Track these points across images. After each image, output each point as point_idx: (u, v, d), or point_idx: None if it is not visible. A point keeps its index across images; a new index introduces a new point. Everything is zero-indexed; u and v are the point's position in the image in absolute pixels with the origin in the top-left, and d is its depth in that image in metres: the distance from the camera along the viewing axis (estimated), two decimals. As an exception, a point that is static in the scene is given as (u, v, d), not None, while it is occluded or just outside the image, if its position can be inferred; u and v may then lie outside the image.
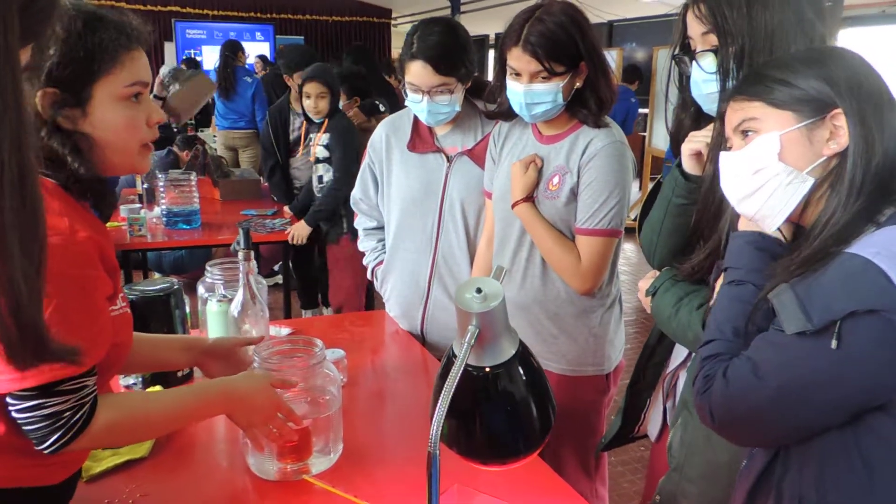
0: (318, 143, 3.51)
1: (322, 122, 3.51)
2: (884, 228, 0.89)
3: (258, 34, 11.06)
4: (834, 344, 0.83)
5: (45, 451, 0.97)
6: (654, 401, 1.51)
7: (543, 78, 1.59)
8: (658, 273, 1.38)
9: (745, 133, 1.02)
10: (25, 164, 0.52)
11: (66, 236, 0.94)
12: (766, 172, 0.97)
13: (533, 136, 1.76)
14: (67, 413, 0.96)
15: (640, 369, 1.51)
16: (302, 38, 11.67)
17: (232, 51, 6.43)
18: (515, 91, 1.63)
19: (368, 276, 2.20)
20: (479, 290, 0.79)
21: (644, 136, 7.59)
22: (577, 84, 1.63)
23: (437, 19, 1.94)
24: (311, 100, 3.42)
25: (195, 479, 1.33)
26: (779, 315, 0.89)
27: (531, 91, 1.61)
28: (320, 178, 3.58)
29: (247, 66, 7.13)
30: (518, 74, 1.62)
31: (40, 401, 0.94)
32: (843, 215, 0.91)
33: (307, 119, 3.57)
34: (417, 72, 1.83)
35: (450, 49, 1.84)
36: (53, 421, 0.95)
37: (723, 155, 1.05)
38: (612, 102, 1.67)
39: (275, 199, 4.09)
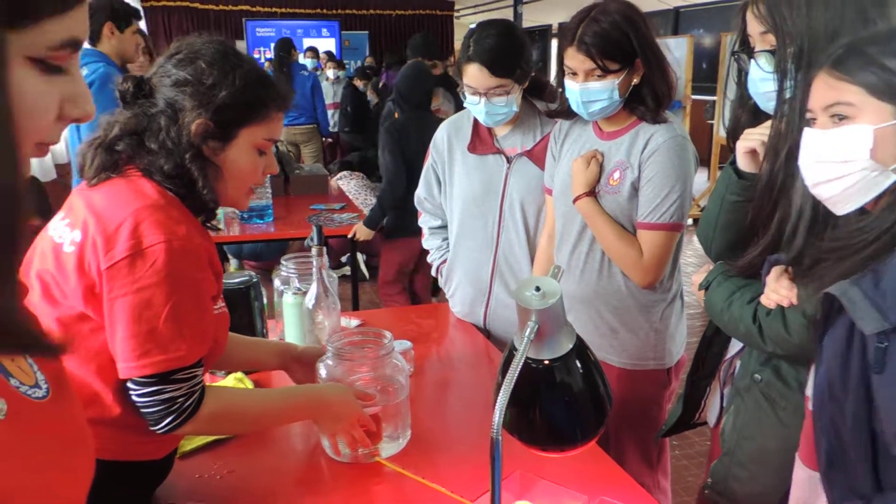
0: None
1: None
2: None
3: (324, 30, 11.30)
4: None
5: (159, 432, 1.10)
6: (714, 389, 1.54)
7: (598, 76, 1.63)
8: (712, 267, 1.41)
9: (836, 116, 0.98)
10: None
11: (183, 241, 1.07)
12: (853, 165, 0.95)
13: (593, 132, 1.80)
14: (181, 399, 1.09)
15: (700, 359, 1.54)
16: (367, 33, 11.86)
17: (285, 49, 6.61)
18: (572, 89, 1.68)
19: (433, 273, 2.28)
20: (537, 289, 0.85)
21: (712, 125, 7.41)
22: (635, 80, 1.66)
23: (493, 21, 1.99)
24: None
25: (275, 458, 1.44)
26: (850, 313, 0.90)
27: (587, 89, 1.65)
28: None
29: (300, 63, 7.29)
30: (574, 73, 1.66)
31: (159, 387, 1.07)
32: None
33: None
34: (474, 74, 1.89)
35: (505, 51, 1.88)
36: (169, 405, 1.08)
37: (808, 132, 1.03)
38: (671, 98, 1.69)
39: None
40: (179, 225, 1.08)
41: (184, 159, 1.11)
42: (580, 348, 0.89)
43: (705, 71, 7.79)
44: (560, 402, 0.89)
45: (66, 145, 4.86)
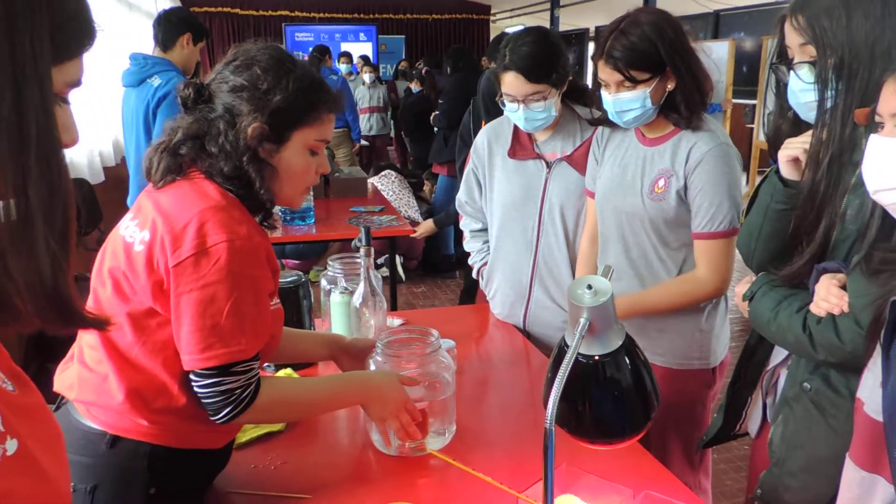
0: None
1: None
2: None
3: (361, 35, 11.44)
4: None
5: (219, 422, 1.16)
6: (755, 398, 1.54)
7: (628, 87, 1.66)
8: (754, 278, 1.42)
9: None
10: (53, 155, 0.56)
11: (244, 240, 1.12)
12: None
13: (636, 138, 1.82)
14: (238, 390, 1.15)
15: (741, 368, 1.55)
16: (403, 37, 11.97)
17: (321, 53, 6.82)
18: (605, 100, 1.72)
19: (474, 275, 2.32)
20: (589, 287, 0.88)
21: (752, 129, 7.33)
22: (669, 87, 1.68)
23: (528, 30, 2.02)
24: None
25: (325, 451, 1.50)
26: None
27: (618, 100, 1.69)
28: None
29: (333, 68, 7.47)
30: (606, 85, 1.70)
31: (219, 378, 1.13)
32: None
33: None
34: (511, 82, 1.93)
35: (540, 57, 1.91)
36: (227, 396, 1.14)
37: (873, 138, 1.04)
38: (704, 105, 1.70)
39: (420, 218, 4.20)
40: (241, 225, 1.13)
41: (241, 161, 1.17)
42: (629, 346, 0.92)
43: (745, 75, 7.70)
44: (609, 396, 0.92)
45: (113, 149, 5.02)
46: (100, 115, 4.79)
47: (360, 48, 10.86)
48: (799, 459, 1.31)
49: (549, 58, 1.93)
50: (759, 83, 6.80)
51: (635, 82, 1.65)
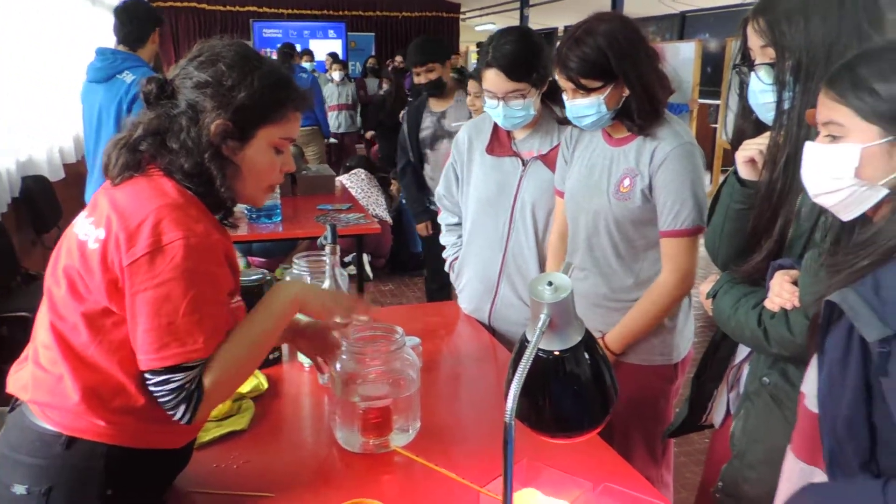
0: None
1: None
2: None
3: (331, 32, 11.37)
4: None
5: (183, 421, 1.12)
6: (721, 391, 1.57)
7: (582, 94, 1.70)
8: (718, 276, 1.45)
9: (829, 136, 1.03)
10: None
11: (201, 238, 1.10)
12: (842, 182, 1.00)
13: (603, 139, 1.85)
14: (187, 385, 1.11)
15: (706, 362, 1.58)
16: (373, 34, 11.92)
17: (291, 50, 6.76)
18: (566, 104, 1.76)
19: (446, 268, 2.33)
20: (550, 283, 0.89)
21: (715, 128, 7.46)
22: (625, 93, 1.70)
23: (510, 28, 2.06)
24: (471, 97, 3.31)
25: (289, 449, 1.49)
26: (852, 320, 0.92)
27: (574, 105, 1.73)
28: None
29: (301, 65, 7.42)
30: (565, 90, 1.74)
31: (168, 376, 1.10)
32: None
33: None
34: (492, 79, 1.96)
35: (522, 56, 1.94)
36: (178, 393, 1.11)
37: (808, 145, 1.07)
38: (657, 113, 1.72)
39: (403, 201, 4.08)
40: (198, 223, 1.12)
41: (203, 158, 1.15)
42: (588, 341, 0.93)
43: (710, 75, 7.83)
44: (569, 391, 0.94)
45: (74, 146, 4.92)
46: (60, 111, 4.69)
47: (330, 45, 10.78)
48: (758, 452, 1.34)
49: (530, 57, 1.96)
50: (723, 84, 6.92)
51: (588, 90, 1.68)
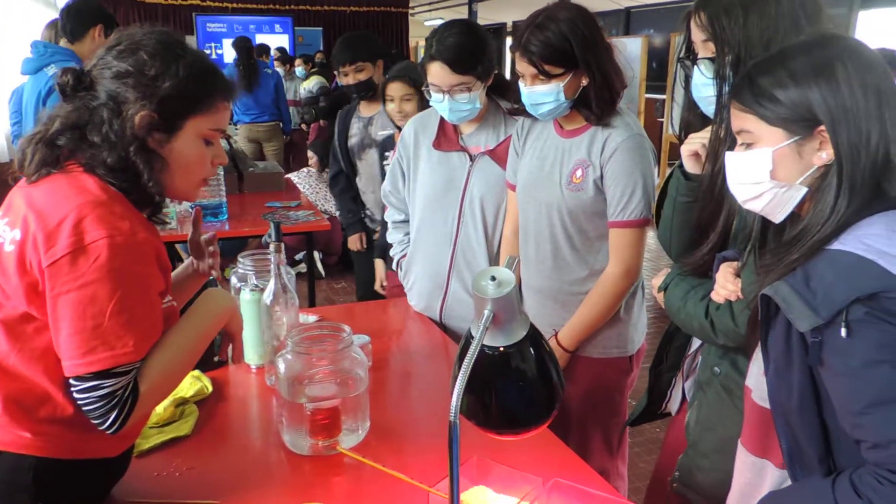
0: None
1: None
2: (862, 224, 0.94)
3: (277, 26, 11.16)
4: (843, 332, 0.89)
5: (110, 431, 1.07)
6: (678, 381, 1.60)
7: (541, 80, 1.69)
8: (669, 270, 1.46)
9: (743, 144, 1.06)
10: None
11: (127, 237, 1.05)
12: (762, 186, 1.03)
13: (554, 131, 1.85)
14: (120, 391, 1.06)
15: (662, 352, 1.61)
16: (321, 29, 11.75)
17: (248, 44, 6.55)
18: (522, 92, 1.75)
19: (393, 267, 2.30)
20: (493, 278, 0.88)
21: (661, 122, 7.59)
22: (584, 83, 1.71)
23: (454, 21, 2.04)
24: (394, 103, 2.74)
25: (235, 453, 1.45)
26: (785, 312, 0.95)
27: (533, 92, 1.72)
28: None
29: (263, 60, 7.26)
30: (523, 76, 1.73)
31: (97, 382, 1.04)
32: (831, 221, 0.96)
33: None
34: (436, 72, 1.94)
35: (466, 49, 1.93)
36: (108, 400, 1.05)
37: (727, 155, 1.10)
38: (614, 103, 1.74)
39: (337, 214, 3.67)
40: (123, 220, 1.06)
41: (128, 152, 1.10)
42: (534, 336, 0.92)
43: (655, 70, 7.97)
44: (514, 387, 0.93)
45: (6, 143, 4.72)
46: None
47: (276, 40, 10.59)
48: (711, 441, 1.37)
49: (474, 50, 1.94)
50: (668, 78, 7.05)
51: (549, 76, 1.68)
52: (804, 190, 1.01)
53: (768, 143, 1.01)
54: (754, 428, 1.17)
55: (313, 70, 8.60)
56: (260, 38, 10.02)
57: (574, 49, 1.65)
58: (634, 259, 1.77)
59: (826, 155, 0.98)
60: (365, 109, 3.20)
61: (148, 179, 1.12)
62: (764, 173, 1.02)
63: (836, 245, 0.94)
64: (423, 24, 13.67)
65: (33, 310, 1.06)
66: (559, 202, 1.79)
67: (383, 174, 2.71)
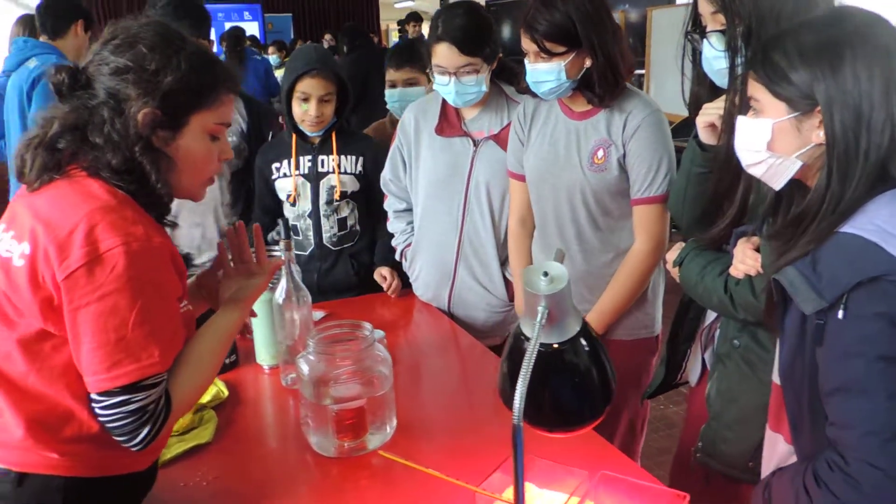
0: (342, 171, 2.19)
1: (328, 138, 2.19)
2: (869, 205, 0.95)
3: (246, 14, 10.95)
4: (841, 314, 0.91)
5: (137, 448, 1.03)
6: (695, 351, 1.60)
7: (543, 58, 1.67)
8: (683, 244, 1.45)
9: (752, 109, 1.08)
10: None
11: (143, 242, 1.00)
12: (760, 155, 1.06)
13: (563, 113, 1.81)
14: (151, 406, 1.02)
15: (678, 324, 1.60)
16: (290, 15, 11.56)
17: (241, 33, 6.48)
18: (527, 69, 1.72)
19: (397, 257, 2.25)
20: (545, 274, 0.85)
21: (641, 99, 7.58)
22: (587, 63, 1.68)
23: (457, 3, 2.00)
24: (311, 103, 2.09)
25: (260, 459, 1.41)
26: (792, 296, 0.97)
27: (535, 70, 1.70)
28: (343, 221, 2.22)
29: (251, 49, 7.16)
30: (527, 53, 1.71)
31: (126, 397, 1.00)
32: (829, 200, 0.97)
33: (298, 134, 2.18)
34: (444, 53, 1.89)
35: (474, 30, 1.90)
36: (140, 416, 1.01)
37: (740, 119, 1.11)
38: (616, 85, 1.71)
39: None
40: (136, 225, 1.01)
41: (133, 152, 1.05)
42: (586, 330, 0.90)
43: (632, 45, 7.95)
44: (569, 383, 0.90)
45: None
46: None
47: (246, 27, 10.37)
48: (733, 412, 1.37)
49: (481, 31, 1.92)
50: (647, 54, 7.04)
51: (550, 55, 1.66)
52: (799, 164, 1.03)
53: (771, 115, 1.03)
54: (772, 402, 1.18)
55: (287, 58, 8.45)
56: (229, 26, 9.81)
57: (577, 28, 1.63)
58: (662, 234, 1.77)
59: (823, 134, 1.00)
60: None
61: (156, 181, 1.07)
62: (762, 143, 1.05)
63: (846, 227, 0.96)
64: (392, 6, 13.48)
65: (50, 326, 1.01)
66: (582, 184, 1.76)
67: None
